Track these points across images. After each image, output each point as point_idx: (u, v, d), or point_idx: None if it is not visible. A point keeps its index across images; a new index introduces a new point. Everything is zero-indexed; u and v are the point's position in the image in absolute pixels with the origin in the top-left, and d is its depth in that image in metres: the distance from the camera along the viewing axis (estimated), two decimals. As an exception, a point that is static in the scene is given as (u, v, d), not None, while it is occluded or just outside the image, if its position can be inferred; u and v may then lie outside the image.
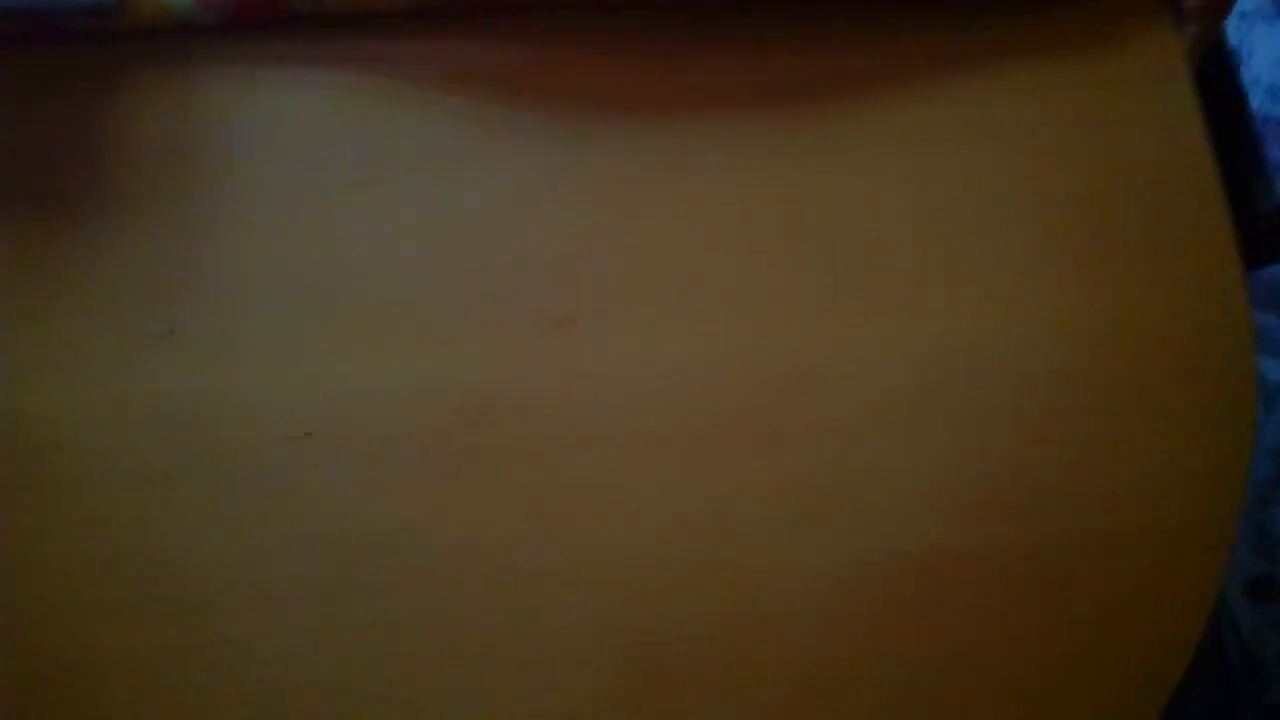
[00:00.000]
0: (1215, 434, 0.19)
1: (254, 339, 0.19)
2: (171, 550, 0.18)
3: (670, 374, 0.19)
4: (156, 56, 0.20)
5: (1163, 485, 0.19)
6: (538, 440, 0.18)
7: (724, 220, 0.19)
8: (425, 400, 0.18)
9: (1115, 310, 0.20)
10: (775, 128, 0.20)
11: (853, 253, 0.19)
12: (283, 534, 0.18)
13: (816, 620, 0.18)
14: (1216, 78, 0.26)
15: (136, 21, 0.20)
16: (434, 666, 0.18)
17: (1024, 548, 0.18)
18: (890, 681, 0.18)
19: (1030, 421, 0.19)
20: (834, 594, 0.18)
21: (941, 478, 0.18)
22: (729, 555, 0.18)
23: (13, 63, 0.20)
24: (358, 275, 0.19)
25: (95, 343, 0.19)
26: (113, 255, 0.19)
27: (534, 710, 0.17)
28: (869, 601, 0.18)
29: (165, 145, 0.20)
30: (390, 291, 0.19)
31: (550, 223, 0.19)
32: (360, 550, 0.18)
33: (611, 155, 0.20)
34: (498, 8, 0.20)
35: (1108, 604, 0.18)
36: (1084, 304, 0.20)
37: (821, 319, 0.19)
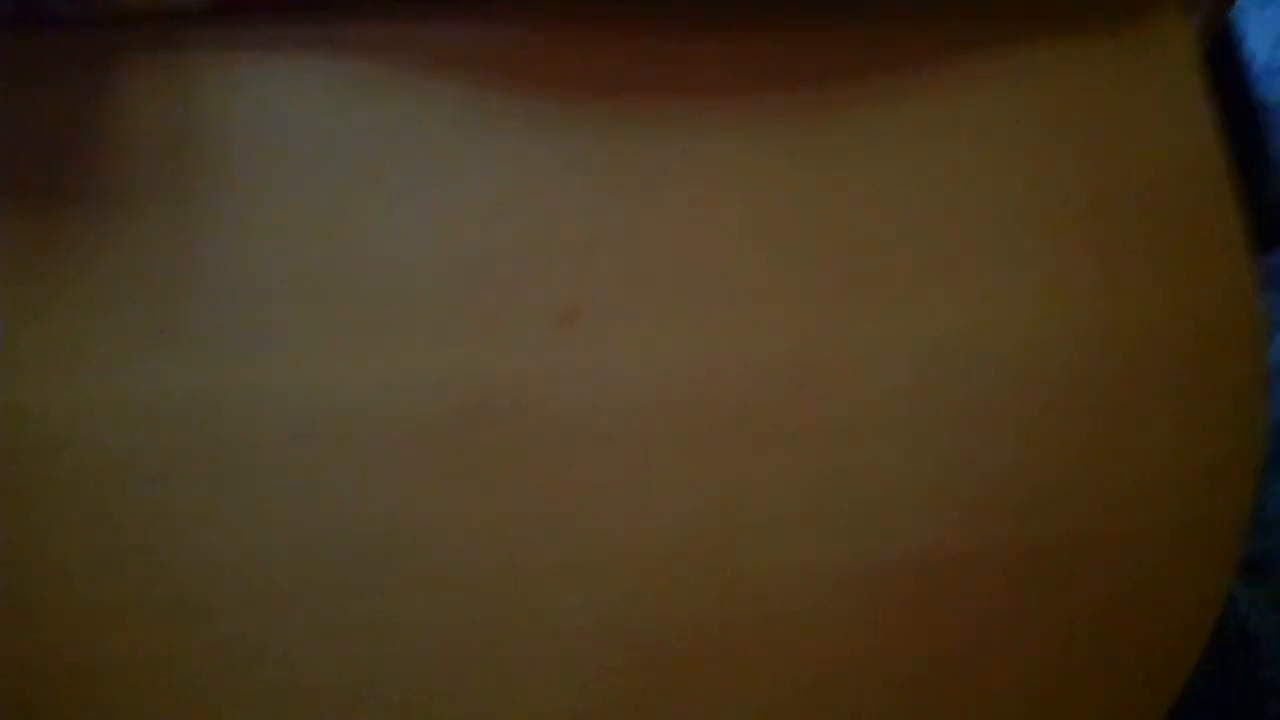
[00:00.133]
0: (1223, 433, 0.19)
1: (253, 337, 0.18)
2: (172, 549, 0.18)
3: (671, 372, 0.18)
4: (147, 42, 0.20)
5: (1169, 484, 0.19)
6: (539, 438, 0.18)
7: (727, 214, 0.19)
8: (426, 399, 0.18)
9: (1120, 307, 0.20)
10: (779, 118, 0.19)
11: (857, 249, 0.19)
12: (283, 533, 0.18)
13: (819, 619, 0.18)
14: (1221, 63, 0.26)
15: (126, 4, 0.20)
16: (436, 666, 0.17)
17: (1027, 546, 0.18)
18: (894, 680, 0.18)
19: (1034, 420, 0.19)
20: (835, 593, 0.18)
21: (945, 476, 0.18)
22: (731, 554, 0.18)
23: (-1, 49, 0.20)
24: (358, 271, 0.18)
25: (94, 340, 0.18)
26: (110, 250, 0.19)
27: (537, 709, 0.17)
28: (871, 600, 0.18)
29: (160, 136, 0.19)
30: (392, 287, 0.18)
31: (552, 214, 0.19)
32: (361, 550, 0.18)
33: (615, 145, 0.19)
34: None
35: (1113, 603, 0.18)
36: (1088, 301, 0.19)
37: (825, 316, 0.19)
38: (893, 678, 0.18)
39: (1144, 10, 0.21)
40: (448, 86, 0.19)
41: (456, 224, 0.19)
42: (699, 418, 0.18)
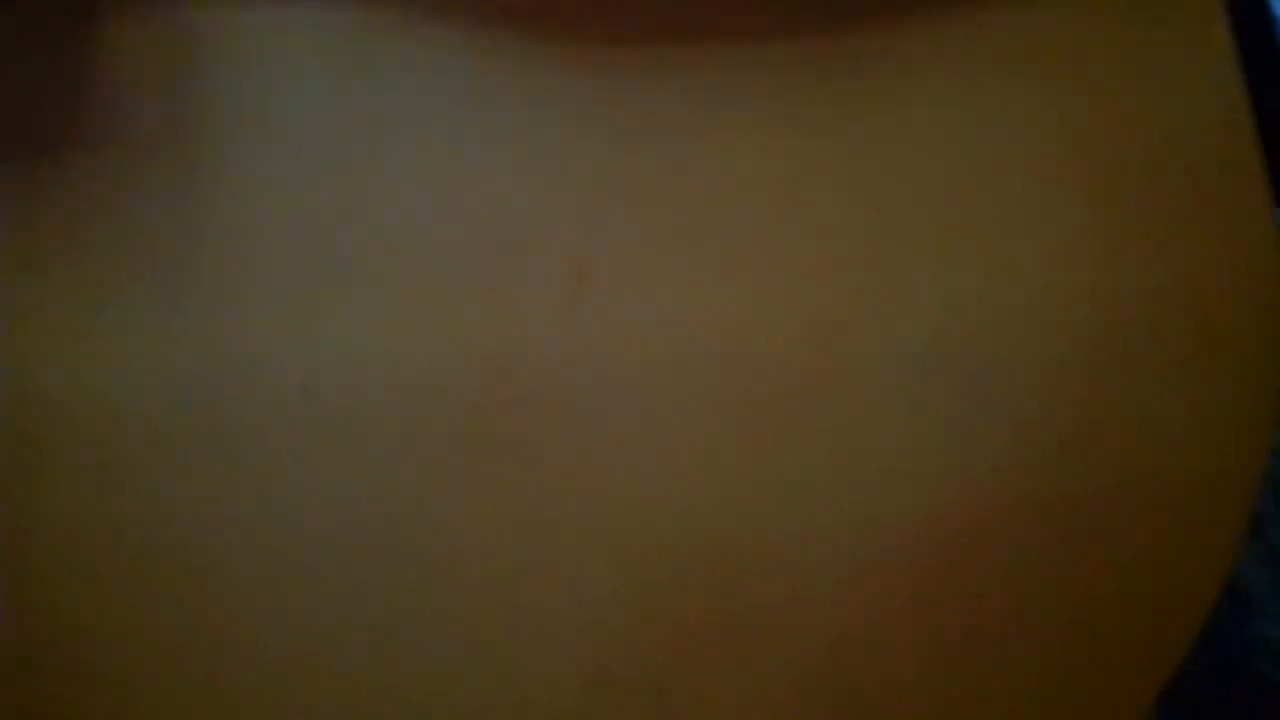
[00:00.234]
0: (1243, 389, 0.19)
1: (258, 301, 0.18)
2: (177, 516, 0.17)
3: (690, 330, 0.18)
4: None
5: (1187, 441, 0.19)
6: (553, 403, 0.18)
7: (749, 167, 0.19)
8: (439, 365, 0.17)
9: (1141, 265, 0.19)
10: (805, 67, 0.19)
11: (884, 203, 0.19)
12: (290, 502, 0.17)
13: (845, 588, 0.18)
14: (1245, 18, 0.26)
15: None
16: (452, 642, 0.17)
17: (1052, 498, 0.18)
18: (924, 646, 0.18)
19: (1057, 375, 0.19)
20: (863, 558, 0.18)
21: (972, 430, 0.18)
22: (756, 522, 0.18)
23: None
24: (367, 230, 0.18)
25: (96, 304, 0.18)
26: (110, 212, 0.18)
27: (559, 677, 0.17)
28: (904, 558, 0.18)
29: (159, 91, 0.19)
30: (401, 246, 0.18)
31: (569, 168, 0.18)
32: (371, 520, 0.17)
33: (634, 91, 0.18)
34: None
35: (1139, 555, 0.18)
36: (1109, 258, 0.19)
37: (850, 272, 0.18)
38: (926, 641, 0.18)
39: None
40: (458, 37, 0.19)
41: (469, 178, 0.18)
42: (718, 375, 0.18)
